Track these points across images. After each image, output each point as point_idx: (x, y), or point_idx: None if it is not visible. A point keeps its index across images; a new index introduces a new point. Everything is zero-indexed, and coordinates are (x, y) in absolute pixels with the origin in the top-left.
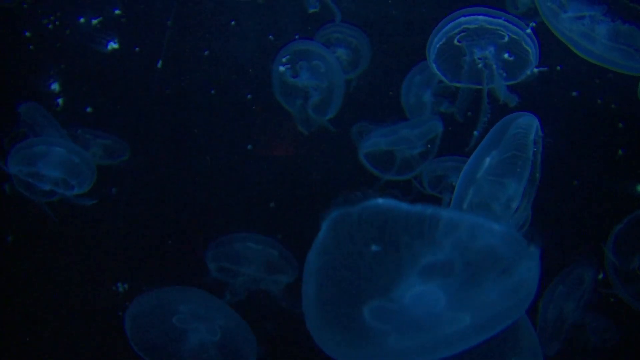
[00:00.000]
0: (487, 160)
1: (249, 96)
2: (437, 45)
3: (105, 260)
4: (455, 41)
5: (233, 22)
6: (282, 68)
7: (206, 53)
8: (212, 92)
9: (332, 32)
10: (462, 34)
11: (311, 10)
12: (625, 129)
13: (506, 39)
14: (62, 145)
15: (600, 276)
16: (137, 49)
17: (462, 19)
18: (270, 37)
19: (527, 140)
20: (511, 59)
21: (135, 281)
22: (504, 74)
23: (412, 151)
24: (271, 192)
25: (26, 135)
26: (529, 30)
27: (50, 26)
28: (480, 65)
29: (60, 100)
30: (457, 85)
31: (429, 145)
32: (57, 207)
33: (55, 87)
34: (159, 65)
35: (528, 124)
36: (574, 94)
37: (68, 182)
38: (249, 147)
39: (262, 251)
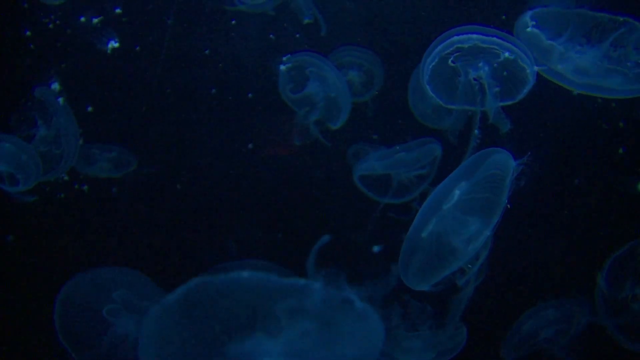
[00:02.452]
0: (457, 192)
1: (250, 95)
2: (431, 66)
3: (106, 259)
4: (450, 62)
5: (234, 21)
6: (283, 67)
7: (207, 52)
8: (213, 91)
9: (343, 55)
10: (456, 54)
11: (306, 21)
12: (626, 127)
13: (502, 57)
14: (11, 141)
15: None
16: (138, 48)
17: (455, 38)
18: (272, 36)
19: (503, 185)
20: (507, 71)
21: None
22: (499, 95)
23: (409, 175)
24: (272, 191)
25: (34, 119)
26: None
27: (50, 25)
28: (476, 87)
29: (60, 100)
30: (452, 107)
31: (427, 168)
32: (58, 207)
33: (56, 86)
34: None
35: (506, 166)
36: (575, 92)
37: (14, 176)
38: (250, 146)
39: None
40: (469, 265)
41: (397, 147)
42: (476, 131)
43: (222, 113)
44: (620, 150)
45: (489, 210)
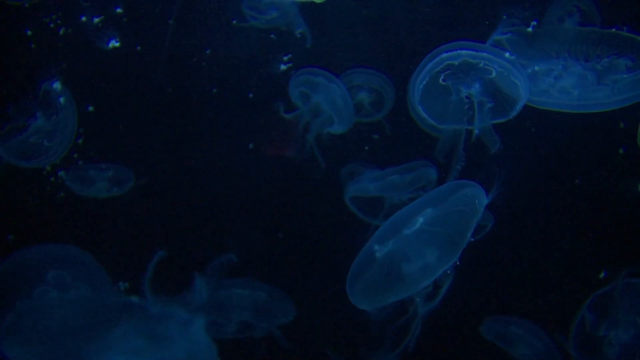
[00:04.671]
0: (420, 220)
1: (250, 95)
2: (421, 86)
3: (106, 258)
4: (440, 80)
5: (235, 21)
6: (283, 67)
7: (208, 52)
8: (214, 90)
9: (353, 78)
10: (447, 71)
11: (299, 31)
12: (626, 127)
13: (493, 73)
14: None
15: (602, 275)
16: (138, 48)
17: (444, 55)
18: (272, 35)
19: (469, 224)
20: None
21: (135, 280)
22: (492, 112)
23: (402, 197)
24: (273, 191)
25: (33, 112)
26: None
27: (51, 25)
28: (466, 106)
29: (61, 99)
30: (444, 127)
31: (421, 192)
32: (58, 207)
33: (57, 86)
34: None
35: (476, 205)
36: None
37: None
38: (251, 146)
39: (248, 296)
40: (417, 299)
41: (391, 169)
42: (461, 152)
43: (223, 113)
44: (621, 151)
45: (449, 247)
